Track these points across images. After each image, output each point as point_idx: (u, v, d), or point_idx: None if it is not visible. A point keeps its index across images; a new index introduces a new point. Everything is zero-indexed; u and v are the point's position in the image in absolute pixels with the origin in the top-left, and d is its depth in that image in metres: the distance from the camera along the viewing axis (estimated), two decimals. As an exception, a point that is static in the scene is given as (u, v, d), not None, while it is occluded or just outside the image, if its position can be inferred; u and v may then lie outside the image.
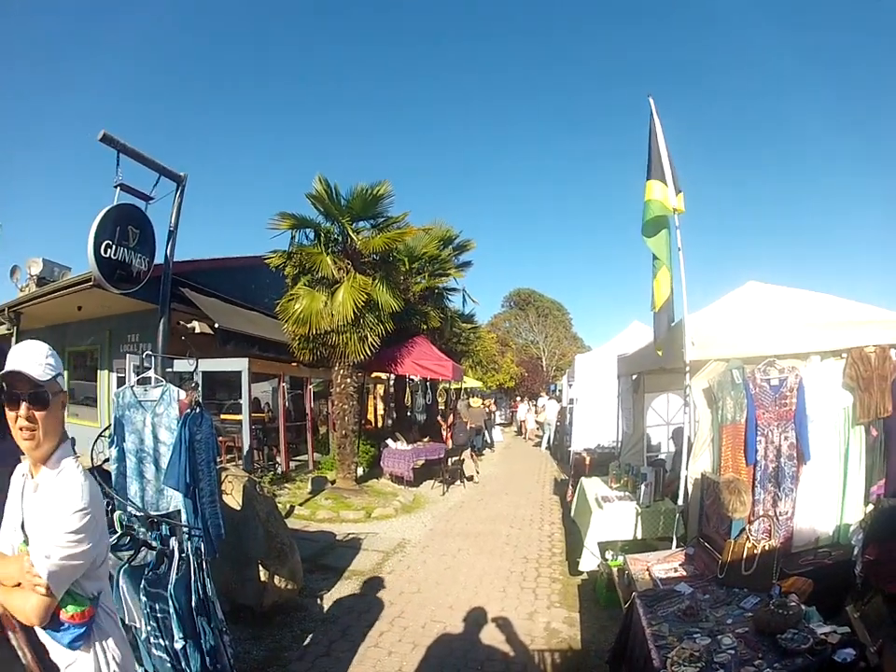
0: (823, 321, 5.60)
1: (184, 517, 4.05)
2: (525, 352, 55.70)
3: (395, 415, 20.47)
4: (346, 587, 7.07)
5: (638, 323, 12.90)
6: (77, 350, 15.99)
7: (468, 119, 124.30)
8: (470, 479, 15.18)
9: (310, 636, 5.67)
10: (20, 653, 3.52)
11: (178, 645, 3.63)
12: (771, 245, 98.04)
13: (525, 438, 27.19)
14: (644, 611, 4.06)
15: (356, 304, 11.23)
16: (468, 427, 16.80)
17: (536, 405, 30.57)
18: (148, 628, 3.66)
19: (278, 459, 14.12)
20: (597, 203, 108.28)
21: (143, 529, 4.05)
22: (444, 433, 16.68)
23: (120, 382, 12.87)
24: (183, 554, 3.89)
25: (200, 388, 4.54)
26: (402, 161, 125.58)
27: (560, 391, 26.58)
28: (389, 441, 14.84)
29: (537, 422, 27.36)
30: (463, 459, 15.17)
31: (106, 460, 4.26)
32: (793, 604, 3.47)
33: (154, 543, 3.99)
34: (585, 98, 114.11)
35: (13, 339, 14.53)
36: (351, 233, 11.98)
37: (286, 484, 12.58)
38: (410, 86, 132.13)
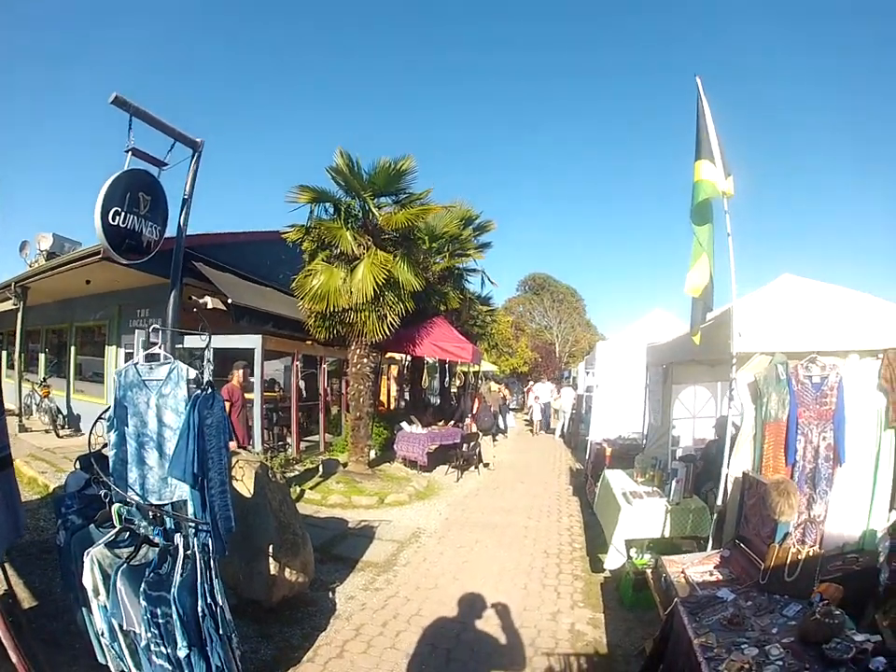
0: (861, 319, 5.37)
1: (191, 510, 3.71)
2: (538, 337, 55.49)
3: (409, 397, 20.28)
4: (360, 580, 6.80)
5: (661, 311, 12.66)
6: (84, 325, 15.90)
7: (487, 98, 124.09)
8: (487, 465, 14.96)
9: (321, 634, 5.39)
10: (9, 652, 3.28)
11: (182, 653, 3.30)
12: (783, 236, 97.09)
13: (533, 431, 25.55)
14: (688, 620, 3.87)
15: (376, 281, 10.98)
16: (491, 412, 16.60)
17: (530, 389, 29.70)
18: (149, 635, 3.33)
19: (289, 440, 13.95)
20: (612, 188, 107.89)
21: (144, 523, 3.71)
22: (468, 418, 16.42)
23: (129, 358, 12.72)
24: (188, 552, 3.55)
25: (209, 364, 4.20)
26: (416, 137, 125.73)
27: (574, 378, 26.35)
28: (404, 425, 14.66)
29: (545, 407, 26.57)
30: (481, 444, 14.88)
31: (105, 445, 3.92)
32: (838, 613, 3.37)
33: (157, 539, 3.66)
34: (609, 80, 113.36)
35: (19, 314, 14.50)
36: (373, 209, 11.71)
37: (296, 466, 12.41)
38: (432, 61, 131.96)
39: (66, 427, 14.54)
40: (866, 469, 5.21)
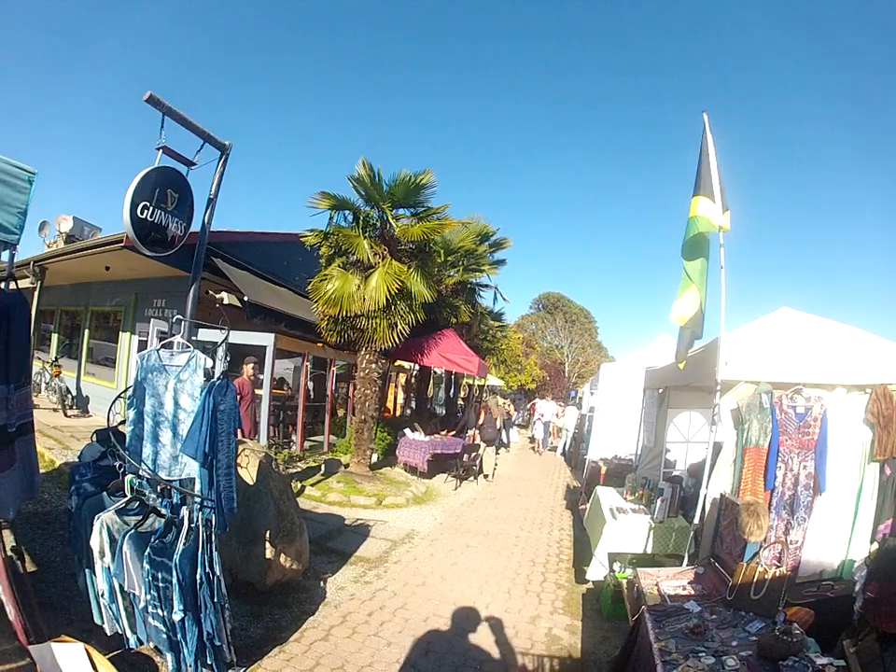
0: (852, 354, 5.57)
1: (198, 487, 4.00)
2: (548, 356, 55.48)
3: (415, 406, 20.49)
4: (351, 573, 7.05)
5: (667, 337, 12.79)
6: (100, 310, 16.11)
7: (510, 118, 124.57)
8: (487, 476, 15.22)
9: (309, 618, 5.65)
10: (7, 608, 3.54)
11: (177, 617, 3.61)
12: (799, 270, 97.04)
13: (536, 450, 24.80)
14: (652, 626, 4.07)
15: (389, 290, 11.21)
16: (496, 425, 16.79)
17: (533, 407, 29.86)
18: (148, 597, 3.65)
19: (293, 438, 14.18)
20: (634, 213, 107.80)
21: (153, 495, 4.02)
22: (471, 430, 16.63)
23: (142, 345, 12.99)
24: (192, 525, 3.86)
25: (227, 356, 4.49)
26: (438, 154, 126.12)
27: (580, 398, 26.48)
28: (407, 431, 14.87)
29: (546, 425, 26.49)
30: (482, 456, 15.14)
31: (122, 422, 4.23)
32: (797, 632, 3.48)
33: (164, 511, 3.97)
34: (635, 107, 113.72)
35: (36, 293, 14.55)
36: (391, 219, 11.94)
37: (298, 463, 12.66)
38: (456, 80, 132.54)
39: (74, 407, 14.74)
40: (848, 501, 5.38)
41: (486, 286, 19.13)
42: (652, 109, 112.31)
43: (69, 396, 14.63)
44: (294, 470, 11.86)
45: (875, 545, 4.94)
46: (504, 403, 24.81)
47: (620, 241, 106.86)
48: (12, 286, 3.90)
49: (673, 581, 5.09)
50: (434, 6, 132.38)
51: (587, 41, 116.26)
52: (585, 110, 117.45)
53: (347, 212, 12.30)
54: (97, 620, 4.08)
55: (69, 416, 13.80)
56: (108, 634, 4.01)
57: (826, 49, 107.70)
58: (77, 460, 4.86)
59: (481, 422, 16.58)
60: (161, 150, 5.22)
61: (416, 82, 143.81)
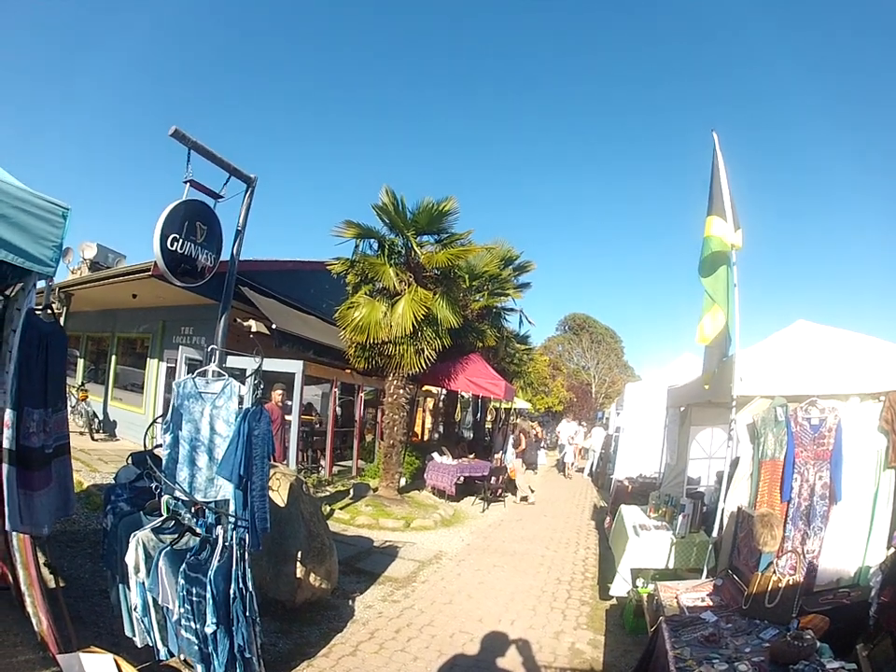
0: (865, 363, 5.62)
1: (232, 507, 4.19)
2: (575, 377, 55.42)
3: (443, 430, 20.59)
4: (379, 592, 7.20)
5: (690, 354, 12.82)
6: (127, 336, 16.35)
7: (531, 139, 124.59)
8: (526, 498, 15.43)
9: (338, 635, 5.81)
10: (34, 620, 3.71)
11: (209, 630, 3.79)
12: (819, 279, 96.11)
13: (565, 473, 24.17)
14: (669, 635, 4.18)
15: (415, 317, 11.34)
16: (535, 448, 16.95)
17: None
18: (182, 610, 3.83)
19: (322, 463, 14.37)
20: (660, 230, 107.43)
21: (189, 515, 4.23)
22: (499, 453, 16.83)
23: (171, 372, 13.27)
24: (226, 543, 4.05)
25: (260, 384, 4.69)
26: (462, 177, 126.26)
27: (607, 419, 26.50)
28: (435, 455, 15.02)
29: (581, 448, 26.78)
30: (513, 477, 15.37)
31: (158, 446, 4.45)
32: (808, 637, 3.56)
33: (199, 530, 4.18)
34: (653, 123, 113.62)
35: (62, 319, 14.63)
36: (415, 247, 12.08)
37: (327, 488, 12.80)
38: (474, 104, 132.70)
39: (101, 431, 14.85)
40: (864, 508, 5.41)
41: (511, 309, 19.24)
42: (679, 120, 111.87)
43: (96, 420, 14.77)
44: (323, 494, 11.98)
45: (892, 551, 4.92)
46: (532, 426, 24.91)
47: (645, 259, 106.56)
48: (48, 312, 4.12)
49: (692, 594, 5.21)
50: (450, 21, 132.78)
51: (607, 53, 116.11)
52: (607, 124, 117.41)
53: (372, 240, 12.48)
54: (128, 632, 4.26)
55: (96, 440, 14.00)
56: (139, 646, 4.19)
57: (837, 51, 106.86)
58: (113, 481, 5.05)
59: (522, 447, 16.75)
60: (188, 184, 5.40)
61: (434, 102, 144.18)
